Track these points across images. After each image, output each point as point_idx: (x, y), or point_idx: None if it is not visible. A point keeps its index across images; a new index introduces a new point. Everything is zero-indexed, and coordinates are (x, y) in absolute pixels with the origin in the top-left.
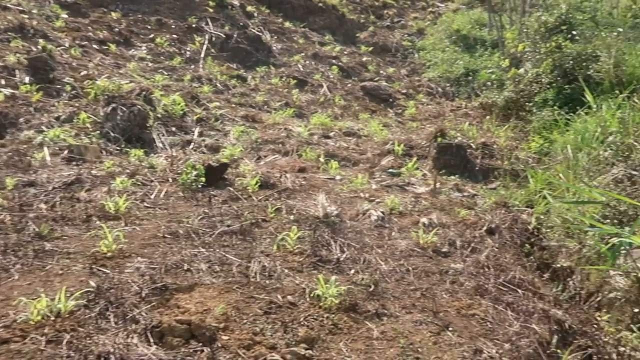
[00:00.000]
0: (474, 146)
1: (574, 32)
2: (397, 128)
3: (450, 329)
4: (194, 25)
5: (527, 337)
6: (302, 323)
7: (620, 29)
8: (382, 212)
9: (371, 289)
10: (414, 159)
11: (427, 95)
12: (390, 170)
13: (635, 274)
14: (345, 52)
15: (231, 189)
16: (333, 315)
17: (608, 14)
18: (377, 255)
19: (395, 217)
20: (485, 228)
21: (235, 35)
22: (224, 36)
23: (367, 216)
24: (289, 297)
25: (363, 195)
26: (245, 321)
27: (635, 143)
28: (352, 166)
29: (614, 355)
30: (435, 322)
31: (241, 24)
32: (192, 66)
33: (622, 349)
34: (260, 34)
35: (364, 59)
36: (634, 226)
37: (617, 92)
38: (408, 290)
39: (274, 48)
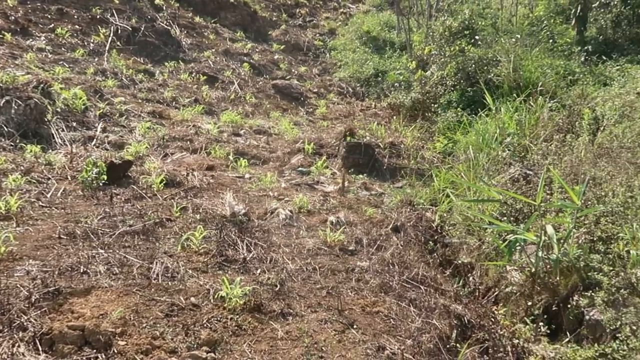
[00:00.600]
0: (382, 145)
1: (476, 37)
2: (308, 127)
3: (354, 326)
4: (98, 17)
5: (429, 332)
6: (204, 325)
7: (519, 36)
8: (291, 211)
9: (277, 289)
10: (324, 157)
11: (338, 95)
12: (300, 168)
13: (529, 268)
14: (257, 50)
15: (135, 187)
16: (237, 316)
17: (508, 21)
18: (284, 254)
19: (304, 215)
20: (391, 226)
21: (142, 29)
22: (130, 29)
23: (276, 215)
24: (192, 299)
25: (272, 194)
26: (144, 325)
27: (531, 144)
28: (261, 164)
29: (509, 347)
30: (340, 320)
31: (149, 17)
32: (96, 59)
33: (516, 341)
34: (169, 28)
35: (276, 57)
36: (528, 223)
37: (515, 95)
38: (314, 289)
39: (184, 43)
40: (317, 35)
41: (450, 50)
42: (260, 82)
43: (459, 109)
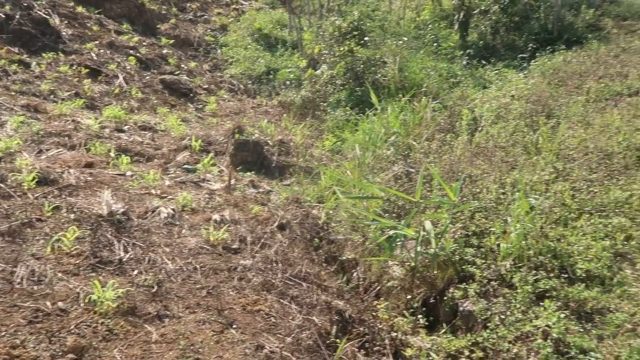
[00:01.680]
0: (271, 143)
1: (366, 39)
2: (197, 123)
3: (234, 326)
4: None
5: (309, 329)
6: (72, 331)
7: (405, 38)
8: (173, 209)
9: (154, 290)
10: (211, 155)
11: (229, 92)
12: (185, 166)
13: (409, 263)
14: (145, 43)
15: (2, 185)
16: (109, 321)
17: (396, 24)
18: (164, 254)
19: (187, 214)
20: (277, 224)
21: (17, 16)
22: (3, 16)
23: (157, 214)
24: (60, 304)
25: (155, 192)
26: (4, 333)
27: (414, 143)
28: (145, 162)
29: (387, 341)
30: (220, 320)
31: (25, 4)
32: None
33: (394, 334)
34: (47, 17)
35: (165, 51)
36: (408, 219)
37: (401, 95)
38: (194, 289)
39: (64, 33)
40: (209, 30)
41: (339, 50)
42: (148, 77)
43: (347, 107)
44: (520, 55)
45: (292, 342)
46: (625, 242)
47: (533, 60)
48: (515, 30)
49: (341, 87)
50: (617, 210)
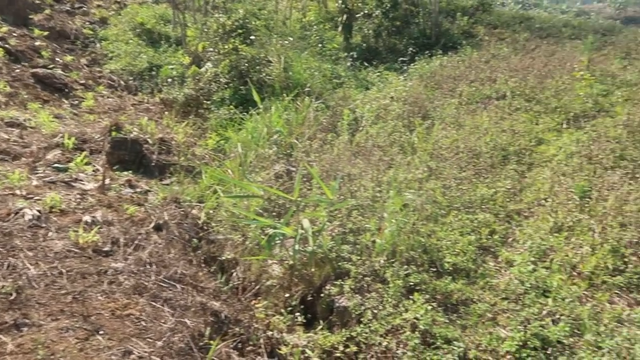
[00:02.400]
0: (151, 141)
1: (252, 37)
2: (72, 120)
3: (101, 332)
4: None
5: (181, 332)
6: None
7: (291, 38)
8: (39, 211)
9: (12, 298)
10: (85, 153)
11: (108, 88)
12: (56, 165)
13: (288, 262)
14: (15, 34)
15: None
16: None
17: (282, 24)
18: (27, 258)
19: (56, 215)
20: (153, 224)
21: None
22: None
23: (21, 216)
24: None
25: (20, 193)
26: None
27: (296, 141)
28: (12, 160)
29: (262, 340)
30: (85, 326)
31: None
32: None
33: (270, 332)
34: None
35: (37, 43)
36: (286, 218)
37: (285, 95)
38: (58, 295)
39: None
40: (87, 23)
41: (224, 48)
42: (18, 70)
43: (231, 106)
44: (401, 59)
45: (162, 345)
46: (489, 237)
47: (412, 64)
48: (396, 34)
49: (225, 86)
50: (483, 207)
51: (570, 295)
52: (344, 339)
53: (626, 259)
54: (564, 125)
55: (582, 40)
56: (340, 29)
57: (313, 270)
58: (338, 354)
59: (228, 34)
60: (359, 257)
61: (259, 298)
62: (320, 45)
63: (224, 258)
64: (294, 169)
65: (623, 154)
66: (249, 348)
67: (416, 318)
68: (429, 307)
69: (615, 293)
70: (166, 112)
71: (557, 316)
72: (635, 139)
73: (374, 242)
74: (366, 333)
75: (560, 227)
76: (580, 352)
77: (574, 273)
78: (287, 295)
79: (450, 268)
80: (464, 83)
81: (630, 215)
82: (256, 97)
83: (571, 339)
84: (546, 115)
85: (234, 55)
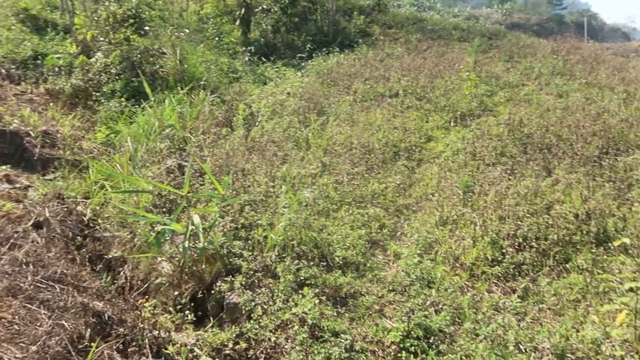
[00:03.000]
0: (33, 134)
1: (146, 28)
2: None
3: None
4: None
5: (58, 335)
6: None
7: (187, 30)
8: None
9: None
10: None
11: None
12: None
13: (178, 259)
14: None
15: None
16: None
17: (179, 15)
18: None
19: None
20: (32, 222)
21: None
22: None
23: None
24: None
25: None
26: None
27: (190, 136)
28: None
29: (147, 340)
30: None
31: None
32: None
33: (156, 332)
34: None
35: None
36: (175, 214)
37: (180, 88)
38: None
39: None
40: None
41: (115, 37)
42: None
43: (123, 98)
44: (299, 55)
45: (37, 350)
46: (379, 231)
47: (310, 60)
48: (295, 30)
49: (116, 77)
50: (374, 201)
51: (453, 285)
52: (234, 335)
53: (504, 250)
54: (452, 123)
55: (470, 43)
56: (238, 23)
57: (204, 267)
58: (228, 352)
59: (120, 24)
60: (250, 253)
61: (147, 297)
62: (217, 38)
63: (110, 256)
64: (186, 163)
65: (504, 150)
66: (132, 349)
67: (305, 312)
68: (318, 301)
69: (494, 282)
70: (51, 104)
71: (440, 306)
72: (515, 137)
73: (266, 237)
74: (256, 329)
75: (446, 220)
76: (459, 340)
77: (457, 264)
78: (176, 293)
79: (341, 262)
80: (359, 81)
81: (508, 208)
82: (148, 89)
83: (452, 328)
84: (435, 113)
85: (125, 45)
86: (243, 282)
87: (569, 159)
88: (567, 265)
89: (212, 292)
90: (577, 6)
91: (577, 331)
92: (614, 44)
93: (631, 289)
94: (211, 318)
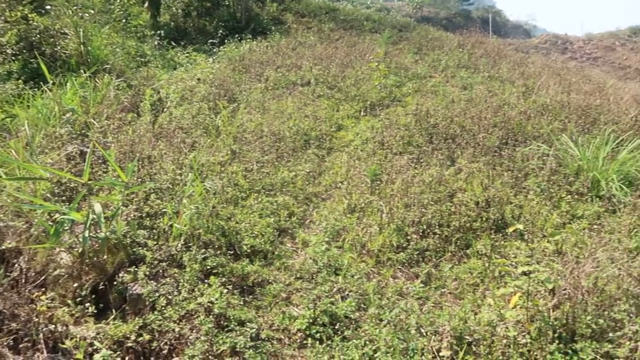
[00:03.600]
0: None
1: (47, 7)
2: None
3: None
4: None
5: None
6: None
7: (92, 11)
8: None
9: None
10: None
11: None
12: None
13: (77, 249)
14: None
15: None
16: None
17: None
18: None
19: None
20: None
21: None
22: None
23: None
24: None
25: None
26: None
27: (94, 121)
28: None
29: (41, 335)
30: None
31: None
32: None
33: (52, 326)
34: None
35: None
36: (74, 202)
37: (82, 71)
38: None
39: None
40: None
41: (11, 15)
42: None
43: (20, 81)
44: (211, 41)
45: None
46: (288, 219)
47: (222, 46)
48: (206, 15)
49: (13, 58)
50: (283, 190)
51: (359, 272)
52: (137, 327)
53: (409, 237)
54: (362, 113)
55: (381, 34)
56: (146, 5)
57: (105, 257)
58: (130, 344)
59: (17, 1)
60: (155, 242)
61: (45, 290)
62: (124, 20)
63: (4, 247)
64: (87, 150)
65: (411, 140)
66: (25, 345)
67: (211, 302)
68: (225, 290)
69: (399, 269)
70: None
71: (346, 293)
72: (421, 127)
73: (171, 226)
74: (160, 320)
75: (354, 208)
76: (364, 325)
77: (364, 251)
78: (76, 285)
79: (249, 250)
80: (271, 68)
81: (414, 196)
82: (45, 71)
83: (357, 314)
84: (346, 102)
85: (23, 24)
86: (147, 273)
87: (472, 148)
88: (467, 251)
89: (115, 283)
90: (483, 2)
91: (475, 314)
92: (516, 40)
93: (524, 273)
94: (113, 310)
